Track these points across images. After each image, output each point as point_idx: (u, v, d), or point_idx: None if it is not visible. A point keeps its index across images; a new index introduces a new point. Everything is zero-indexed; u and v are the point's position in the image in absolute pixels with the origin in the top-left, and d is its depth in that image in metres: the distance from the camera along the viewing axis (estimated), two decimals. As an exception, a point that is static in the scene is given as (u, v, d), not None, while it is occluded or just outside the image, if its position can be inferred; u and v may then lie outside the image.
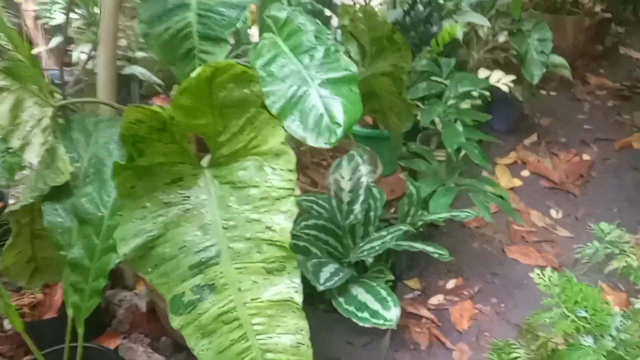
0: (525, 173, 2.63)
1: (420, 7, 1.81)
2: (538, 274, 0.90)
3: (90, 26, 2.11)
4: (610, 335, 0.81)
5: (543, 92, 3.34)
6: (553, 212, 2.35)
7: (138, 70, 2.04)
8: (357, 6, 1.64)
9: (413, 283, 1.92)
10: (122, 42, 2.51)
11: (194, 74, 0.76)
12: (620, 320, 0.82)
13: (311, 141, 0.91)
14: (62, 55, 1.24)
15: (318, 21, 0.99)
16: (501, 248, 2.12)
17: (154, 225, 0.87)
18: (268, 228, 0.88)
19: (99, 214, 1.08)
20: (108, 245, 1.06)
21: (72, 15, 2.65)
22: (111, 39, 1.24)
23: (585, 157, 2.72)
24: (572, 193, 2.46)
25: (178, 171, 0.88)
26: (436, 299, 1.87)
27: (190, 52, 1.03)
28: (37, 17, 2.82)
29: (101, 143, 1.16)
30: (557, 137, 2.93)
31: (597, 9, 3.81)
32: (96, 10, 2.39)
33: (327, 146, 0.90)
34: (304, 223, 1.37)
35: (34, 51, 2.47)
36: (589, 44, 3.74)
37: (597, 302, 0.82)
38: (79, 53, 1.97)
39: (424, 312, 1.80)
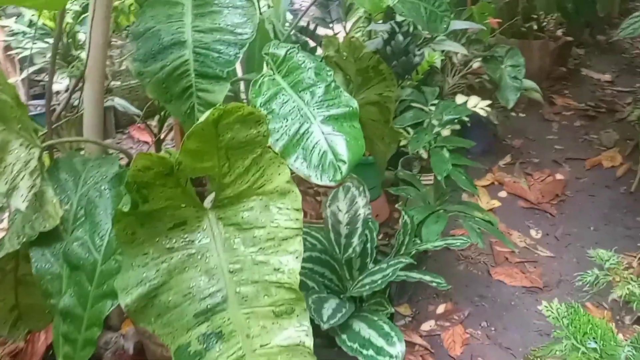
0: (502, 194, 2.69)
1: (400, 37, 1.84)
2: (546, 307, 0.91)
3: (65, 57, 2.06)
4: (620, 365, 0.81)
5: (513, 113, 3.44)
6: (533, 232, 2.40)
7: (117, 102, 2.00)
8: (340, 37, 1.65)
9: (404, 309, 1.92)
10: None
11: (202, 118, 0.75)
12: (629, 350, 0.83)
13: (315, 179, 0.90)
14: (49, 90, 1.19)
15: (317, 58, 0.99)
16: (486, 270, 2.15)
17: (157, 272, 0.84)
18: (276, 270, 0.86)
19: (92, 258, 1.03)
20: (102, 292, 1.02)
21: (43, 45, 2.59)
22: (99, 74, 1.21)
23: (559, 176, 2.80)
24: (549, 212, 2.52)
25: (181, 215, 0.86)
26: (427, 325, 1.87)
27: (187, 90, 1.01)
28: (7, 48, 2.74)
29: (91, 183, 1.12)
30: (530, 157, 3.02)
31: (559, 32, 3.99)
32: (66, 38, 2.35)
33: (332, 184, 0.89)
34: (298, 256, 1.35)
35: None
36: (553, 66, 3.90)
37: (606, 332, 0.83)
38: (55, 86, 1.91)
39: (417, 339, 1.79)
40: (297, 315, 0.87)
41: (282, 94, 0.96)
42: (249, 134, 0.81)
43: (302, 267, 1.33)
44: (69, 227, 1.08)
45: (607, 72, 4.04)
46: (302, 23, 1.95)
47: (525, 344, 1.79)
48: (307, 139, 0.92)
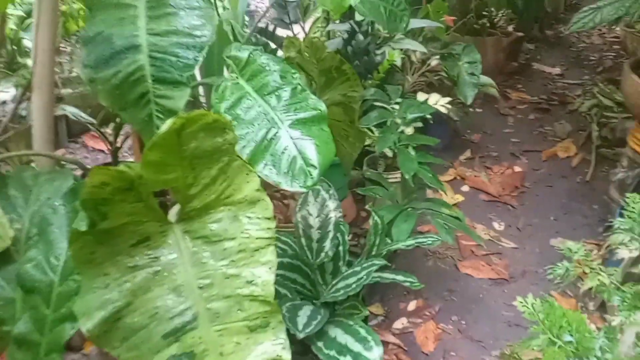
0: (465, 188, 2.73)
1: (361, 37, 1.83)
2: (521, 302, 0.91)
3: (10, 65, 1.94)
4: (596, 357, 0.83)
5: (470, 109, 3.51)
6: (496, 225, 2.45)
7: (69, 110, 1.89)
8: (301, 38, 1.63)
9: (375, 309, 1.91)
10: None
11: (163, 127, 0.70)
12: (603, 341, 0.84)
13: (286, 185, 0.86)
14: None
15: (281, 60, 0.95)
16: (454, 264, 2.17)
17: (120, 293, 0.78)
18: (248, 282, 0.83)
19: (48, 280, 0.96)
20: (61, 315, 0.95)
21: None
22: (47, 83, 1.13)
23: (517, 168, 2.87)
24: (511, 204, 2.58)
25: (144, 230, 0.80)
26: (400, 323, 1.87)
27: (143, 96, 0.95)
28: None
29: (43, 199, 1.05)
30: (489, 151, 3.08)
31: (510, 28, 4.10)
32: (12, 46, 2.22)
33: (303, 190, 0.86)
34: (267, 263, 1.31)
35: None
36: (506, 61, 4.00)
37: (581, 325, 0.84)
38: (3, 94, 1.79)
39: (390, 337, 1.79)
40: (273, 329, 0.83)
41: (247, 99, 0.92)
42: (214, 142, 0.77)
43: (273, 275, 1.30)
44: (21, 247, 1.00)
45: (557, 65, 4.18)
46: (260, 24, 1.91)
47: (496, 335, 1.82)
48: (275, 145, 0.88)
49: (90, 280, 0.79)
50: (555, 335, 0.84)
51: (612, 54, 4.34)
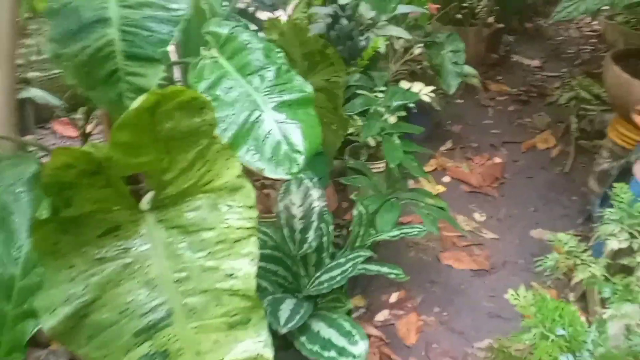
0: (446, 179, 2.71)
1: (345, 21, 1.77)
2: (513, 295, 0.88)
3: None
4: (588, 350, 0.80)
5: (452, 99, 3.50)
6: (477, 215, 2.43)
7: (36, 94, 1.79)
8: (283, 20, 1.56)
9: (357, 300, 1.87)
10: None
11: (134, 104, 0.63)
12: (594, 334, 0.82)
13: (269, 172, 0.81)
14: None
15: (264, 38, 0.89)
16: (436, 255, 2.15)
17: (86, 287, 0.72)
18: (228, 276, 0.77)
19: (8, 273, 0.88)
20: (22, 311, 0.87)
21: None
22: (7, 60, 1.04)
23: (497, 160, 2.87)
24: (491, 195, 2.57)
25: (113, 219, 0.73)
26: (382, 315, 1.84)
27: (113, 74, 0.88)
28: None
29: (4, 186, 0.96)
30: (469, 142, 3.07)
31: (490, 20, 4.09)
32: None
33: (288, 177, 0.81)
34: (247, 255, 1.25)
35: None
36: (486, 53, 4.00)
37: (573, 319, 0.82)
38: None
39: (372, 330, 1.76)
40: (254, 325, 0.78)
41: (228, 79, 0.86)
42: (192, 122, 0.70)
43: (253, 267, 1.24)
44: (-22, 238, 0.92)
45: (536, 58, 4.20)
46: (241, 6, 1.83)
47: (477, 327, 1.80)
48: (258, 128, 0.82)
49: (53, 273, 0.72)
50: (547, 329, 0.81)
51: (590, 47, 4.38)
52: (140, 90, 0.86)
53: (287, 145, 0.81)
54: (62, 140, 2.86)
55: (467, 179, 2.69)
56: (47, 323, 0.70)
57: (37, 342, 1.48)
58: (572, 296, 1.82)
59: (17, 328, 0.88)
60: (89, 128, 1.54)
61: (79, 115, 1.64)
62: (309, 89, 0.85)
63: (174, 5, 0.88)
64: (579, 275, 0.94)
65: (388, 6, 1.26)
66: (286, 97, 0.84)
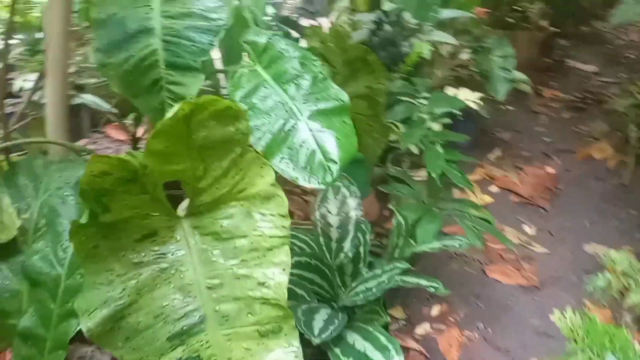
0: (493, 189, 2.62)
1: (388, 27, 1.75)
2: (560, 318, 0.83)
3: (34, 53, 1.93)
4: (642, 379, 0.74)
5: (501, 106, 3.38)
6: (526, 228, 2.33)
7: (90, 100, 1.87)
8: (326, 27, 1.56)
9: (397, 312, 1.83)
10: (70, 69, 2.33)
11: (169, 113, 0.64)
12: (651, 361, 0.76)
13: (303, 181, 0.80)
14: (2, 86, 1.07)
15: (302, 47, 0.89)
16: (481, 268, 2.07)
17: (124, 291, 0.74)
18: (260, 284, 0.77)
19: (54, 273, 0.92)
20: (67, 310, 0.91)
21: (12, 41, 2.44)
22: (60, 69, 1.09)
23: (550, 169, 2.74)
24: (542, 207, 2.46)
25: (150, 224, 0.75)
26: (422, 328, 1.79)
27: (156, 83, 0.90)
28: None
29: (53, 189, 1.01)
30: (520, 150, 2.96)
31: (544, 23, 3.94)
32: (40, 35, 2.21)
33: (322, 187, 0.80)
34: (284, 262, 1.25)
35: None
36: (539, 57, 3.85)
37: (625, 344, 0.76)
38: (22, 82, 1.78)
39: (412, 343, 1.71)
40: (285, 335, 0.77)
41: (264, 87, 0.86)
42: (226, 131, 0.71)
43: (291, 274, 1.24)
44: (29, 238, 0.97)
45: (592, 63, 4.00)
46: (285, 13, 1.85)
47: (524, 345, 1.72)
48: (293, 137, 0.82)
49: (93, 276, 0.74)
50: (596, 354, 0.76)
51: (652, 51, 4.13)
52: (180, 99, 0.88)
53: (322, 154, 0.80)
54: (115, 144, 2.99)
55: (517, 189, 2.59)
56: (86, 324, 0.72)
57: (83, 338, 1.54)
58: (628, 317, 1.71)
59: (61, 326, 0.91)
60: (139, 132, 1.60)
61: (129, 120, 1.70)
62: (345, 97, 0.84)
63: (214, 15, 0.89)
64: (632, 298, 0.87)
65: (430, 14, 1.23)
66: (322, 106, 0.84)
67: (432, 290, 1.19)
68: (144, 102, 0.92)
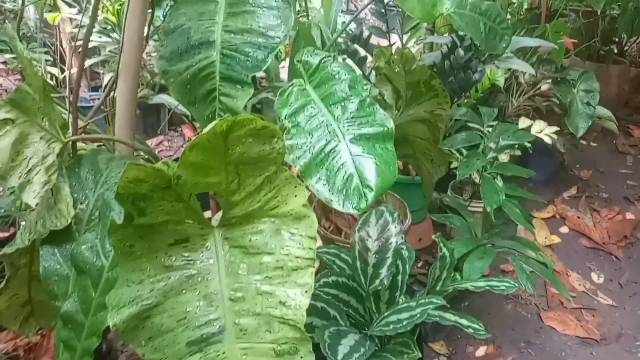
0: (564, 229, 2.45)
1: (461, 52, 1.70)
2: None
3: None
4: None
5: (583, 142, 3.17)
6: (594, 276, 2.16)
7: (166, 100, 1.98)
8: (394, 48, 1.54)
9: (439, 347, 1.76)
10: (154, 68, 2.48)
11: (207, 129, 0.66)
12: None
13: (337, 205, 0.79)
14: (78, 81, 1.15)
15: (354, 69, 0.88)
16: (537, 313, 1.94)
17: (152, 292, 0.76)
18: (281, 303, 0.76)
19: (99, 264, 0.97)
20: (105, 301, 0.95)
21: (106, 39, 2.65)
22: (132, 72, 1.16)
23: (629, 215, 2.52)
24: (615, 255, 2.27)
25: (184, 231, 0.78)
26: (464, 368, 1.70)
27: (211, 93, 0.94)
28: (72, 39, 2.84)
29: (110, 184, 1.07)
30: (599, 191, 2.75)
31: (642, 58, 3.65)
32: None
33: (355, 212, 0.78)
34: (323, 280, 1.24)
35: (66, 73, 2.46)
36: (633, 94, 3.57)
37: None
38: (109, 78, 1.92)
39: (449, 382, 1.64)
40: (301, 357, 0.76)
41: (311, 107, 0.86)
42: (262, 149, 0.72)
43: (327, 293, 1.23)
44: (82, 228, 1.03)
45: (694, 104, 3.65)
46: (357, 31, 1.85)
47: (574, 403, 1.58)
48: (332, 159, 0.81)
49: (126, 273, 0.78)
50: None
51: None
52: (230, 111, 0.91)
53: (359, 179, 0.79)
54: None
55: (589, 232, 2.41)
56: (113, 319, 0.75)
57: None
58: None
59: (99, 315, 0.96)
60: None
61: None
62: (389, 124, 0.82)
63: (272, 33, 0.91)
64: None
65: (499, 45, 1.18)
66: (365, 130, 0.82)
67: (472, 331, 1.13)
68: (199, 110, 0.96)
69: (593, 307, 1.98)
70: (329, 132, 0.83)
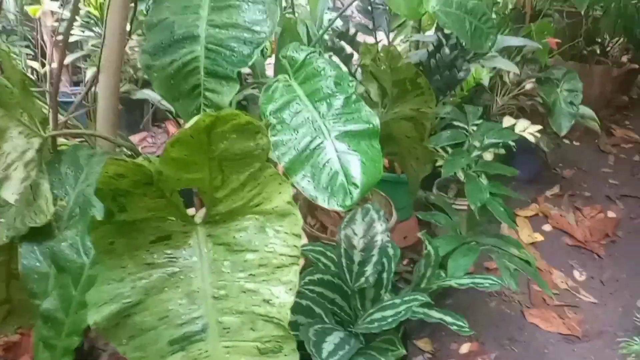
0: (547, 227, 2.48)
1: (447, 50, 1.71)
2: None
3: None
4: None
5: (566, 141, 3.20)
6: (576, 274, 2.19)
7: (149, 95, 1.96)
8: (380, 45, 1.54)
9: (423, 344, 1.76)
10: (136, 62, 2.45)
11: (190, 123, 0.65)
12: None
13: (322, 202, 0.79)
14: (58, 77, 1.13)
15: (340, 65, 0.88)
16: (520, 310, 1.96)
17: (133, 289, 0.75)
18: (265, 301, 0.76)
19: (80, 261, 0.95)
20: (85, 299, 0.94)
21: (89, 33, 2.61)
22: (114, 67, 1.14)
23: (611, 214, 2.56)
24: (597, 253, 2.30)
25: (166, 228, 0.76)
26: (448, 365, 1.71)
27: (195, 89, 0.93)
28: (54, 33, 2.78)
29: (91, 180, 1.05)
30: (581, 190, 2.79)
31: (624, 59, 3.71)
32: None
33: (340, 209, 0.78)
34: (308, 278, 1.24)
35: (47, 68, 2.42)
36: (615, 94, 3.63)
37: None
38: (90, 73, 1.89)
39: (434, 379, 1.64)
40: (285, 355, 0.76)
41: (296, 103, 0.86)
42: (246, 145, 0.71)
43: (312, 291, 1.23)
44: (62, 225, 1.01)
45: (676, 104, 3.72)
46: (342, 28, 1.85)
47: (556, 399, 1.60)
48: (317, 156, 0.81)
49: (107, 271, 0.76)
50: None
51: None
52: (215, 107, 0.90)
53: (345, 176, 0.79)
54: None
55: (572, 230, 2.44)
56: (93, 317, 0.74)
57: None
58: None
59: (80, 313, 0.94)
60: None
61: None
62: (375, 121, 0.82)
63: (258, 28, 0.90)
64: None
65: (484, 44, 1.18)
66: (351, 127, 0.82)
67: (456, 328, 1.13)
68: (183, 106, 0.95)
69: (575, 304, 2.00)
70: (315, 129, 0.83)
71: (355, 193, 0.78)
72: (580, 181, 2.86)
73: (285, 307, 0.75)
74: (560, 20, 3.10)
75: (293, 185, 0.79)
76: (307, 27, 1.38)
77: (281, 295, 0.75)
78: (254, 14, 0.92)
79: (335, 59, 1.65)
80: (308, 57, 0.91)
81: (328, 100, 0.84)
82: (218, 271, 0.77)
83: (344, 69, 1.40)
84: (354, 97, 0.85)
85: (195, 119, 0.65)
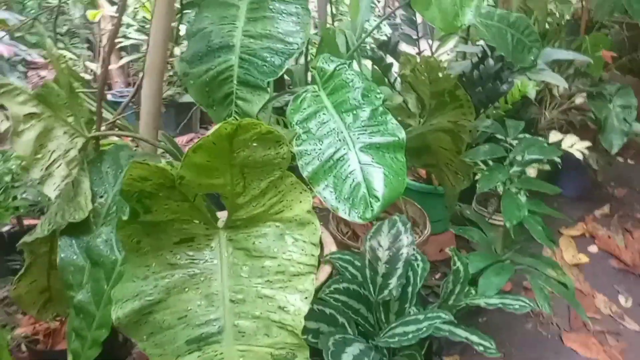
0: (593, 249, 2.36)
1: (491, 62, 1.67)
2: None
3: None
4: None
5: (620, 159, 3.04)
6: (622, 299, 2.07)
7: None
8: (422, 56, 1.52)
9: (452, 362, 1.72)
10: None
11: (211, 131, 0.67)
12: None
13: (343, 213, 0.79)
14: (104, 78, 1.18)
15: (368, 78, 0.88)
16: (558, 334, 1.88)
17: (155, 288, 0.78)
18: (281, 308, 0.77)
19: (113, 257, 1.00)
20: (115, 293, 0.98)
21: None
22: (157, 72, 1.19)
23: (665, 238, 2.41)
24: (646, 279, 2.17)
25: (190, 230, 0.79)
26: (476, 386, 1.66)
27: (228, 97, 0.95)
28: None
29: (128, 180, 1.10)
30: (633, 211, 2.64)
31: (691, 74, 3.48)
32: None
33: (360, 221, 0.78)
34: (334, 286, 1.24)
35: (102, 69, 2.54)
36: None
37: None
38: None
39: (461, 399, 1.60)
40: (298, 364, 0.76)
41: (323, 113, 0.86)
42: (267, 154, 0.72)
43: (337, 300, 1.22)
44: (100, 221, 1.06)
45: None
46: (384, 38, 1.84)
47: None
48: (340, 167, 0.81)
49: (133, 269, 0.80)
50: None
51: None
52: (245, 115, 0.92)
53: (366, 188, 0.78)
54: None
55: (619, 253, 2.31)
56: (116, 313, 0.77)
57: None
58: None
59: (109, 308, 0.98)
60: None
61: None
62: (401, 134, 0.81)
63: (290, 39, 0.92)
64: None
65: (526, 57, 1.15)
66: (376, 139, 0.82)
67: (482, 349, 1.10)
68: (216, 113, 0.98)
69: (618, 331, 1.90)
70: (340, 140, 0.83)
71: (377, 206, 0.78)
72: (633, 202, 2.70)
73: (300, 316, 0.75)
74: (619, 33, 2.95)
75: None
76: (346, 37, 1.39)
77: (297, 303, 0.76)
78: (288, 25, 0.94)
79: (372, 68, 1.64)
80: (337, 68, 0.91)
81: (355, 112, 0.85)
82: (237, 275, 0.79)
83: (380, 78, 1.39)
84: (380, 109, 0.84)
85: (217, 126, 0.67)
